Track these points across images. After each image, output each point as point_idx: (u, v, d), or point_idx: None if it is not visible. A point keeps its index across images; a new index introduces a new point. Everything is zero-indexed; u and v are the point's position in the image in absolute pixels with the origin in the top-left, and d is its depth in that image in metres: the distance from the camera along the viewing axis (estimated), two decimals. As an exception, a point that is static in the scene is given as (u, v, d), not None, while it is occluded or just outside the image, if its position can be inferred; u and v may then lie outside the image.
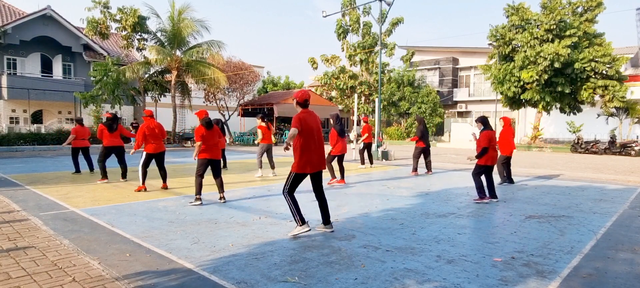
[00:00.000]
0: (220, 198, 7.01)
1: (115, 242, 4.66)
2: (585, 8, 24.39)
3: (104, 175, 9.30)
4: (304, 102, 4.96)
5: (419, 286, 3.46)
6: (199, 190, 6.78)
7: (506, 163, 9.65)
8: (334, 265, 3.95)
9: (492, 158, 7.37)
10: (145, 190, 8.05)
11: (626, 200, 7.70)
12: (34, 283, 3.42)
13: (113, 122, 9.47)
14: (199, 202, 6.71)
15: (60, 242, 4.60)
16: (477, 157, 7.30)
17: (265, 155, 10.67)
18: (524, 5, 25.26)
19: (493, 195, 7.40)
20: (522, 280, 3.61)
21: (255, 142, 9.38)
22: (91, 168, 11.11)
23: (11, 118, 25.11)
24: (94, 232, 5.05)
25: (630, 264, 4.09)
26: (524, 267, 3.94)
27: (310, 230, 4.97)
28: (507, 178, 9.65)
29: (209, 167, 6.90)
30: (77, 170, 10.80)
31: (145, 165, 8.10)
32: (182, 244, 4.58)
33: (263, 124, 10.60)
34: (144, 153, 8.13)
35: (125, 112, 28.58)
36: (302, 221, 4.91)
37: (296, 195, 5.09)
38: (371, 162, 13.42)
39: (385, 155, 16.20)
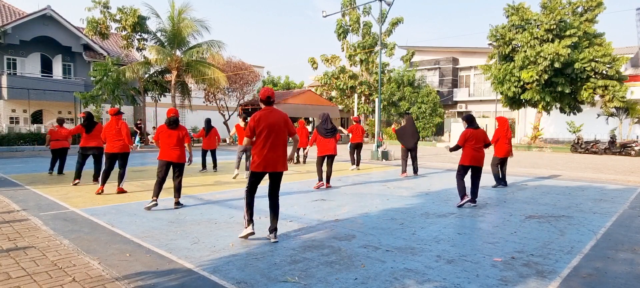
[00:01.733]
0: (175, 203, 6.56)
1: (115, 242, 4.66)
2: (585, 8, 24.38)
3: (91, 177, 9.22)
4: (266, 99, 4.80)
5: (419, 286, 3.46)
6: (156, 192, 6.39)
7: (501, 165, 9.28)
8: (334, 265, 3.94)
9: (473, 159, 7.04)
10: (102, 192, 7.72)
11: (626, 200, 7.70)
12: (34, 283, 3.42)
13: (89, 122, 9.02)
14: (154, 204, 6.31)
15: (60, 242, 4.59)
16: (450, 149, 7.41)
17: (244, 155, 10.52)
18: (524, 5, 25.26)
19: (473, 198, 6.98)
20: (522, 280, 3.61)
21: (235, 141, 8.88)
22: (60, 171, 10.63)
23: (11, 118, 25.11)
24: (94, 232, 5.05)
25: (630, 264, 4.08)
26: (524, 267, 3.94)
27: (253, 233, 4.74)
28: (502, 180, 9.25)
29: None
30: (51, 170, 10.54)
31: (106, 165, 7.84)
32: (182, 244, 4.58)
33: (241, 125, 10.52)
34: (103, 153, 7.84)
35: (125, 112, 28.58)
36: (248, 222, 4.73)
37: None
38: (357, 163, 12.79)
39: (385, 155, 16.20)
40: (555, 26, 23.25)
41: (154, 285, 3.42)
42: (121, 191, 7.90)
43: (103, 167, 7.90)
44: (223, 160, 15.28)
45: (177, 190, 6.62)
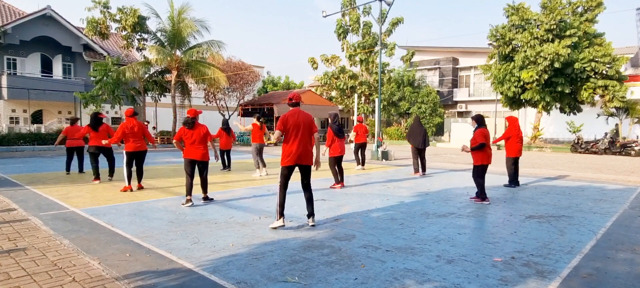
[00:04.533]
0: (203, 198, 7.05)
1: (115, 242, 4.66)
2: (585, 8, 24.37)
3: (97, 176, 9.43)
4: (291, 102, 5.52)
5: (419, 286, 3.46)
6: (188, 191, 6.73)
7: (514, 164, 9.27)
8: (334, 265, 3.94)
9: (488, 157, 7.33)
10: (131, 190, 8.07)
11: (626, 200, 7.70)
12: (34, 283, 3.42)
13: (95, 121, 9.51)
14: (189, 204, 6.62)
15: (60, 242, 4.59)
16: (472, 149, 7.31)
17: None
18: (524, 5, 25.24)
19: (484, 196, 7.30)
20: (522, 280, 3.61)
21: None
22: (81, 169, 10.89)
23: (11, 118, 25.11)
24: (94, 232, 5.05)
25: (630, 264, 4.08)
26: (524, 267, 3.94)
27: (283, 226, 5.30)
28: (513, 180, 9.31)
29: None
30: (67, 171, 10.72)
31: (128, 164, 8.10)
32: (182, 244, 4.58)
33: (257, 123, 10.79)
34: (125, 152, 8.14)
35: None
36: (279, 215, 5.29)
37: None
38: (362, 163, 12.92)
39: (385, 155, 16.19)
40: (555, 26, 23.24)
41: (154, 285, 3.42)
42: (140, 188, 8.36)
43: (124, 166, 8.21)
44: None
45: (203, 186, 7.05)
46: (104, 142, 8.86)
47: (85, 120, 25.49)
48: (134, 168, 8.26)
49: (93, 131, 9.44)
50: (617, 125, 23.47)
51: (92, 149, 9.52)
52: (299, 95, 5.60)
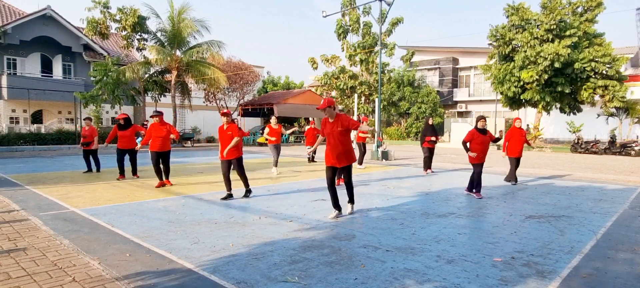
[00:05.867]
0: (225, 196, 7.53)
1: (115, 242, 4.66)
2: (585, 8, 24.37)
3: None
4: (322, 109, 5.85)
5: (419, 286, 3.46)
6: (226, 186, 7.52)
7: (513, 164, 9.83)
8: (334, 265, 3.94)
9: (469, 157, 7.94)
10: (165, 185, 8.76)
11: (626, 200, 7.69)
12: (34, 283, 3.42)
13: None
14: (227, 197, 7.38)
15: (60, 242, 4.59)
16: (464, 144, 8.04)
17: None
18: (524, 5, 25.24)
19: (469, 188, 8.04)
20: (522, 280, 3.61)
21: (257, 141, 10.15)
22: (98, 169, 11.41)
23: (11, 118, 25.10)
24: (94, 232, 5.05)
25: (630, 264, 4.08)
26: (524, 267, 3.94)
27: (340, 216, 5.90)
28: (510, 177, 9.83)
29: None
30: (89, 169, 11.24)
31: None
32: (182, 244, 4.58)
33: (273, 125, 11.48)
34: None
35: (126, 113, 28.60)
36: (335, 207, 5.89)
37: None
38: (359, 162, 13.08)
39: (385, 155, 16.18)
40: (555, 26, 23.23)
41: (154, 285, 3.42)
42: (168, 183, 9.00)
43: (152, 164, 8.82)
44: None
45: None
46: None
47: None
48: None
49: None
50: (612, 131, 23.38)
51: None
52: (331, 101, 5.87)
